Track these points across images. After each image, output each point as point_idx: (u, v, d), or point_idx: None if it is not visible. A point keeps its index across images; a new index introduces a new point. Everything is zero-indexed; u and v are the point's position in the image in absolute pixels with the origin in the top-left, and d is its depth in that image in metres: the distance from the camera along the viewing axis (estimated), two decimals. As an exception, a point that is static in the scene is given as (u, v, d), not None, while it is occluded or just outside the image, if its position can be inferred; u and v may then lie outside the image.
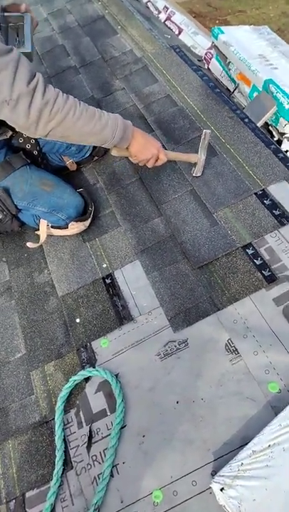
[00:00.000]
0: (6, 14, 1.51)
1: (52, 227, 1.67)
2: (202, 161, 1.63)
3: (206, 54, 2.75)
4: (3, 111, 1.20)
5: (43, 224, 1.65)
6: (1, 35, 1.28)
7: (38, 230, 1.68)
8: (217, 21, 5.70)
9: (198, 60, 2.67)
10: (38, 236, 1.70)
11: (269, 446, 1.01)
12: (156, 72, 2.16)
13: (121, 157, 1.74)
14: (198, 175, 1.67)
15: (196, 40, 3.02)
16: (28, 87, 1.17)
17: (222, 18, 5.77)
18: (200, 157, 1.61)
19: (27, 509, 1.21)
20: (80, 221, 1.66)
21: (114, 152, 1.49)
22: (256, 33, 2.52)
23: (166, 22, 3.26)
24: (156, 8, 3.35)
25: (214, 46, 2.54)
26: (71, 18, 2.82)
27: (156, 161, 1.52)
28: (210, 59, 2.66)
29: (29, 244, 1.68)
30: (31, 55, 1.50)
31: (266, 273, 1.36)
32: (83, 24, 2.70)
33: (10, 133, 1.55)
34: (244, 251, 1.43)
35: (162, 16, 3.29)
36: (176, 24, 3.19)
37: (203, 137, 1.55)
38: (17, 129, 1.31)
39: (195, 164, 1.65)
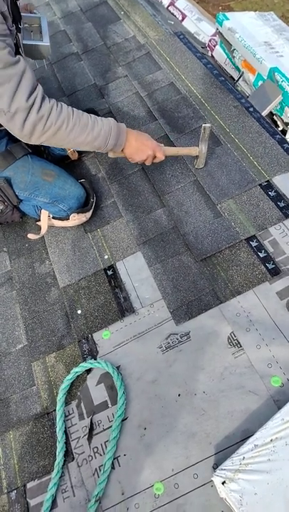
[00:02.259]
0: (22, 14, 1.49)
1: (53, 218, 1.65)
2: (203, 154, 1.60)
3: (209, 41, 2.68)
4: (0, 119, 1.25)
5: (45, 215, 1.63)
6: (12, 41, 1.26)
7: (39, 220, 1.66)
8: (220, 7, 5.57)
9: (202, 47, 2.61)
10: (39, 227, 1.68)
11: (271, 440, 1.00)
12: (160, 60, 2.11)
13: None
14: (200, 167, 1.64)
15: (199, 26, 2.95)
16: (27, 102, 1.21)
17: (225, 4, 5.64)
18: (201, 150, 1.58)
19: (28, 499, 1.21)
20: (82, 213, 1.64)
21: (110, 154, 1.51)
22: (262, 20, 2.46)
23: (169, 8, 3.18)
24: (160, -7, 3.27)
25: (218, 33, 2.48)
26: (73, 3, 2.75)
27: (155, 158, 1.52)
28: (214, 46, 2.61)
29: (30, 236, 1.66)
30: (49, 48, 1.50)
31: (270, 266, 1.34)
32: (85, 9, 2.64)
33: None
34: (248, 243, 1.42)
35: (165, 2, 3.21)
36: (179, 10, 3.11)
37: (202, 131, 1.52)
38: (13, 134, 1.32)
39: (197, 157, 1.62)
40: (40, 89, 1.26)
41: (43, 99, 1.25)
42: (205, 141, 1.55)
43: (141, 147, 1.47)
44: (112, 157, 1.53)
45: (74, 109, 1.34)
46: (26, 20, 1.50)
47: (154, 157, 1.51)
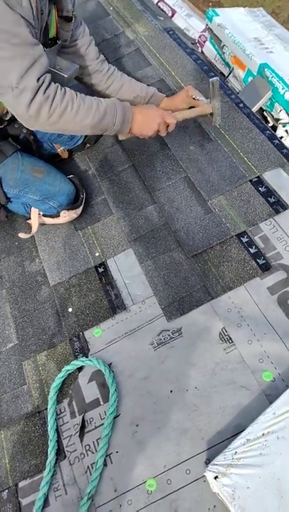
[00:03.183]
0: (59, 58, 1.50)
1: (43, 215, 1.64)
2: (218, 109, 1.51)
3: (199, 37, 2.68)
4: (6, 95, 1.21)
5: (35, 213, 1.61)
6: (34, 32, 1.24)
7: (29, 219, 1.65)
8: (210, 3, 5.57)
9: (192, 43, 2.61)
10: (29, 225, 1.67)
11: (263, 434, 1.01)
12: (150, 56, 2.10)
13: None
14: (217, 123, 1.57)
15: (189, 22, 2.95)
16: (37, 82, 1.19)
17: (215, 0, 5.64)
18: (214, 106, 1.50)
19: (20, 498, 1.20)
20: (72, 209, 1.63)
21: (121, 137, 1.47)
22: (251, 16, 2.47)
23: (158, 3, 3.17)
24: (149, -11, 3.26)
25: (208, 29, 2.48)
26: (61, -2, 2.72)
27: (168, 127, 1.46)
28: (204, 42, 2.61)
29: (21, 235, 1.64)
30: (64, 80, 1.47)
31: (261, 261, 1.35)
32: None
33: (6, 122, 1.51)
34: (239, 239, 1.42)
35: (155, -3, 3.20)
36: (169, 6, 3.11)
37: (211, 86, 1.43)
38: (17, 118, 1.29)
39: (211, 114, 1.53)
40: (48, 74, 1.25)
41: (50, 83, 1.25)
42: (216, 97, 1.47)
43: (148, 119, 1.42)
44: (122, 139, 1.48)
45: (76, 92, 1.32)
46: (61, 63, 1.50)
47: (167, 125, 1.46)
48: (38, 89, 1.20)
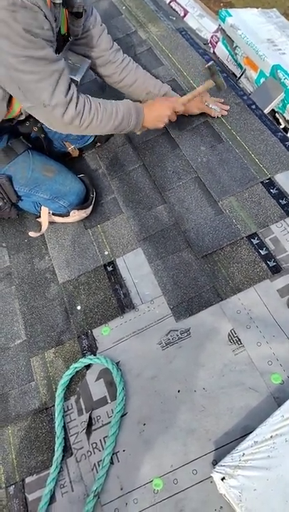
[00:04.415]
0: (71, 52, 1.53)
1: (53, 214, 1.64)
2: (218, 77, 1.63)
3: (211, 37, 2.68)
4: (39, 111, 1.32)
5: (45, 211, 1.62)
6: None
7: (39, 217, 1.66)
8: (221, 4, 5.55)
9: (204, 44, 2.60)
10: (39, 223, 1.68)
11: (271, 437, 1.00)
12: (162, 55, 2.10)
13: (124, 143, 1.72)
14: (225, 88, 1.68)
15: (201, 22, 2.95)
16: (65, 97, 1.29)
17: (226, 1, 5.62)
18: (214, 79, 1.62)
19: (26, 494, 1.21)
20: (82, 209, 1.63)
21: (137, 132, 1.62)
22: (264, 17, 2.46)
23: (171, 3, 3.16)
24: (162, -11, 3.25)
25: (221, 29, 2.47)
26: (74, -4, 2.73)
27: (177, 113, 1.59)
28: (216, 43, 2.60)
29: (31, 234, 1.65)
30: (77, 84, 1.51)
31: (271, 263, 1.34)
32: (86, 3, 2.62)
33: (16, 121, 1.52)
34: (249, 241, 1.41)
35: (167, -3, 3.20)
36: (181, 6, 3.10)
37: (209, 70, 1.60)
38: (46, 125, 1.41)
39: (215, 85, 1.64)
40: (75, 87, 1.34)
41: (78, 96, 1.34)
42: (216, 72, 1.63)
43: (158, 115, 1.55)
44: (139, 133, 1.64)
45: (98, 100, 1.42)
46: (72, 57, 1.53)
47: (176, 112, 1.58)
48: (69, 103, 1.30)
